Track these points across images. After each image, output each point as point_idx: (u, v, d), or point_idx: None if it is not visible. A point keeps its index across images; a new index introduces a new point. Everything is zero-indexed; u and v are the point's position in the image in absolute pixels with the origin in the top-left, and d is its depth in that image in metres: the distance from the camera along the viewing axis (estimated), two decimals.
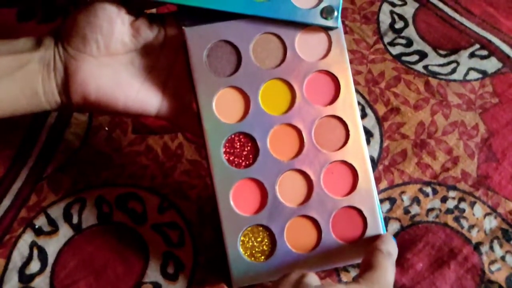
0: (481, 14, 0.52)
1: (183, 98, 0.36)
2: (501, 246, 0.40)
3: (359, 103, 0.46)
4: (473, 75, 0.48)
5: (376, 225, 0.35)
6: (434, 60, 0.49)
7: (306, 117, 0.35)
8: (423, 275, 0.38)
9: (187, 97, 0.36)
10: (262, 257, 0.34)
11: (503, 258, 0.39)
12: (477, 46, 0.50)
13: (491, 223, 0.41)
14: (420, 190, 0.42)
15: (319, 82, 0.36)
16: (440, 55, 0.50)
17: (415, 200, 0.42)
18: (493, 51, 0.50)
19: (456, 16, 0.52)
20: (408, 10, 0.52)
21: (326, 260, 0.35)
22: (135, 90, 0.35)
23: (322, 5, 0.34)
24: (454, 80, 0.48)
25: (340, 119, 0.36)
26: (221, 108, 0.35)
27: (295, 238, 0.34)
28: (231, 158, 0.35)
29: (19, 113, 0.35)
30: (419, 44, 0.50)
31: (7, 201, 0.41)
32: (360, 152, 0.35)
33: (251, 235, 0.35)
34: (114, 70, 0.35)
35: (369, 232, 0.35)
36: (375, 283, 0.30)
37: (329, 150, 0.35)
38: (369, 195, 0.35)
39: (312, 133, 0.35)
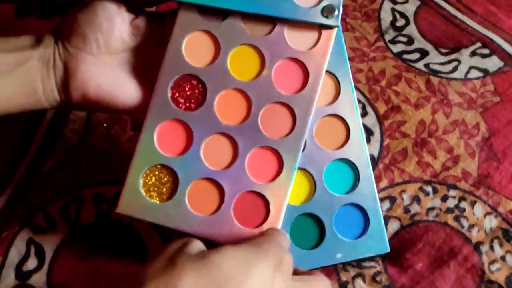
0: (483, 13, 0.52)
1: None
2: (501, 245, 0.40)
3: (359, 101, 0.46)
4: (474, 73, 0.48)
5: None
6: (435, 58, 0.49)
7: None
8: (422, 275, 0.38)
9: None
10: (157, 199, 0.33)
11: (503, 258, 0.39)
12: (479, 44, 0.50)
13: (491, 222, 0.41)
14: (421, 189, 0.42)
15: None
16: (441, 54, 0.49)
17: (415, 199, 0.42)
18: (495, 50, 0.49)
19: (458, 14, 0.52)
20: (410, 8, 0.52)
21: (212, 229, 0.33)
22: (134, 88, 0.35)
23: (323, 3, 0.34)
24: (455, 79, 0.48)
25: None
26: (191, 50, 0.34)
27: (197, 196, 0.33)
28: (175, 96, 0.34)
29: (17, 111, 0.34)
30: (420, 42, 0.50)
31: (4, 198, 0.41)
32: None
33: (157, 173, 0.34)
34: (114, 68, 0.35)
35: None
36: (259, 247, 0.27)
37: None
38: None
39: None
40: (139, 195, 0.33)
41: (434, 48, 0.50)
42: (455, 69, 0.48)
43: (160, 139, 0.34)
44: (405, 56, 0.49)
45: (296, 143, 0.34)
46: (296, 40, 0.35)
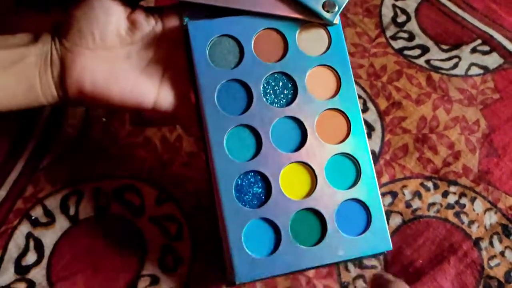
0: (484, 10, 0.52)
1: (181, 90, 0.36)
2: (500, 241, 0.40)
3: (360, 97, 0.46)
4: (474, 70, 0.48)
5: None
6: (436, 54, 0.49)
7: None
8: (423, 271, 0.38)
9: (185, 89, 0.36)
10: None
11: (502, 254, 0.39)
12: (479, 41, 0.50)
13: (491, 218, 0.41)
14: (422, 184, 0.42)
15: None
16: (442, 50, 0.49)
17: (417, 194, 0.42)
18: (495, 47, 0.49)
19: (459, 11, 0.52)
20: (411, 4, 0.52)
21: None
22: (131, 83, 0.34)
23: None
24: (456, 75, 0.48)
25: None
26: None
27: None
28: None
29: (15, 108, 0.34)
30: (421, 39, 0.50)
31: (3, 192, 0.41)
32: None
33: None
34: (110, 63, 0.34)
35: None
36: None
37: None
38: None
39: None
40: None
41: (435, 44, 0.50)
42: (455, 65, 0.48)
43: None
44: (406, 52, 0.49)
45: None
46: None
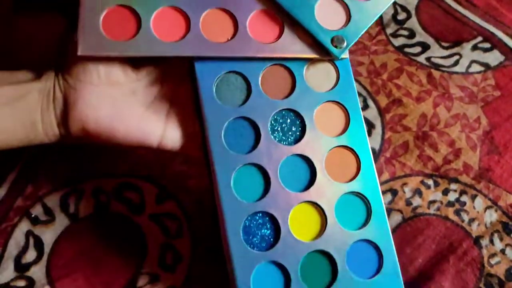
0: (484, 7, 0.52)
1: (188, 128, 0.35)
2: (501, 239, 0.40)
3: (360, 95, 0.46)
4: (475, 67, 0.48)
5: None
6: (436, 52, 0.49)
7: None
8: (423, 270, 0.38)
9: (191, 127, 0.35)
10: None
11: (503, 251, 0.39)
12: (480, 38, 0.50)
13: (491, 216, 0.41)
14: (422, 182, 0.42)
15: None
16: (443, 47, 0.49)
17: (417, 192, 0.41)
18: (496, 44, 0.49)
19: (459, 8, 0.52)
20: (411, 1, 0.52)
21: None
22: (136, 120, 0.33)
23: (336, 33, 0.34)
24: (457, 73, 0.48)
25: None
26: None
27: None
28: None
29: (15, 145, 0.33)
30: (421, 36, 0.50)
31: (2, 190, 0.41)
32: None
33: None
34: (115, 99, 0.33)
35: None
36: None
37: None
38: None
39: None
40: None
41: (435, 41, 0.49)
42: (456, 63, 0.48)
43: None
44: (407, 50, 0.49)
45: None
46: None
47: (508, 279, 0.38)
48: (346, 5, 0.35)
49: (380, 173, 0.42)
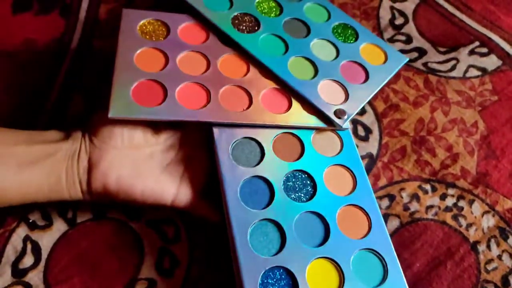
0: (481, 11, 0.52)
1: (198, 189, 0.38)
2: (498, 245, 0.40)
3: None
4: (472, 72, 0.48)
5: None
6: (433, 57, 0.49)
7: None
8: (420, 276, 0.38)
9: (201, 188, 0.38)
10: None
11: (499, 257, 0.39)
12: (477, 43, 0.50)
13: (489, 221, 0.41)
14: (419, 187, 0.42)
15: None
16: (440, 52, 0.49)
17: (414, 197, 0.41)
18: (493, 49, 0.49)
19: (456, 13, 0.52)
20: (409, 6, 0.52)
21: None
22: (153, 181, 0.37)
23: (339, 107, 0.39)
24: (454, 77, 0.48)
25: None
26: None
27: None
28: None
29: (41, 201, 0.36)
30: (418, 41, 0.50)
31: None
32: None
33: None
34: (135, 161, 0.37)
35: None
36: None
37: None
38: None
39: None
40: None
41: (432, 47, 0.50)
42: (453, 67, 0.48)
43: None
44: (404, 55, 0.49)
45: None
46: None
47: (505, 285, 0.38)
48: (344, 86, 0.41)
49: (377, 178, 0.42)
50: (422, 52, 0.49)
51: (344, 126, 0.39)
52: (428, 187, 0.42)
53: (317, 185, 0.37)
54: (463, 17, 0.51)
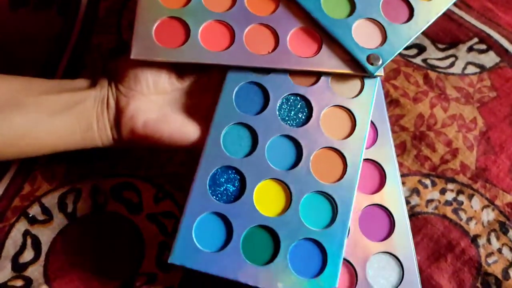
0: (480, 8, 0.52)
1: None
2: (498, 238, 0.40)
3: None
4: (471, 69, 0.48)
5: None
6: (432, 53, 0.49)
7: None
8: (420, 269, 0.38)
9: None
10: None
11: (499, 251, 0.39)
12: (476, 40, 0.50)
13: (488, 215, 0.41)
14: (419, 182, 0.42)
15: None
16: (439, 49, 0.50)
17: (415, 191, 0.42)
18: (492, 45, 0.50)
19: (455, 9, 0.52)
20: None
21: None
22: (179, 124, 0.37)
23: (373, 51, 0.36)
24: (453, 74, 0.48)
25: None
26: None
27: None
28: None
29: (72, 148, 0.37)
30: (417, 38, 0.50)
31: (0, 189, 0.41)
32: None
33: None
34: (160, 106, 0.38)
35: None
36: None
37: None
38: None
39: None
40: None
41: (431, 43, 0.50)
42: (452, 64, 0.49)
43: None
44: (403, 52, 0.49)
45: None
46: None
47: (505, 278, 0.38)
48: (383, 26, 0.37)
49: None
50: (421, 48, 0.49)
51: (376, 73, 0.36)
52: (428, 182, 0.42)
53: (312, 118, 0.36)
54: (462, 14, 0.52)
